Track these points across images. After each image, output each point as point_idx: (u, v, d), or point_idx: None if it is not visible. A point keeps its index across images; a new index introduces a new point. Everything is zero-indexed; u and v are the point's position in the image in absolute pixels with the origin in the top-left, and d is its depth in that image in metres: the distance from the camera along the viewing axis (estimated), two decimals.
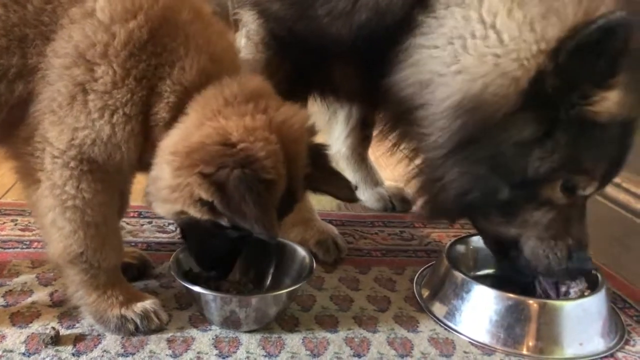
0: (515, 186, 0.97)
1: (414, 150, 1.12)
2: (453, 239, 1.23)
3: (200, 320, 1.02)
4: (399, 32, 1.04)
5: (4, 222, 1.34)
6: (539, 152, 0.94)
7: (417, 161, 1.10)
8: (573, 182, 0.98)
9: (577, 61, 0.87)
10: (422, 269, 1.26)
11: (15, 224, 1.33)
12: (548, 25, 0.90)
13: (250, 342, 0.97)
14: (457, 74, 0.96)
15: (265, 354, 0.95)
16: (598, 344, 1.03)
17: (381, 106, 1.21)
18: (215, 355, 0.94)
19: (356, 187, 1.67)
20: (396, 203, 1.62)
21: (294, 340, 0.99)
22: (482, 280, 1.09)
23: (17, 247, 1.23)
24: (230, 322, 0.99)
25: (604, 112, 0.90)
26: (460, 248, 1.21)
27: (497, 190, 0.98)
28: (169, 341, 0.96)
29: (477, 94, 0.93)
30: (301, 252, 1.12)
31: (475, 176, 0.97)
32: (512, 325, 1.01)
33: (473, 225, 1.14)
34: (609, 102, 0.90)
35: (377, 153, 1.70)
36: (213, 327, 1.00)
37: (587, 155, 0.96)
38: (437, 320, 1.08)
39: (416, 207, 1.17)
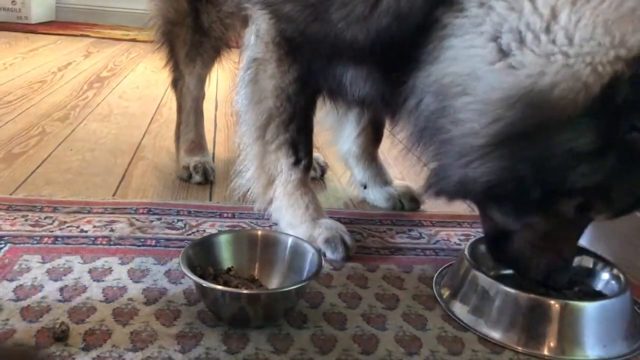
0: (545, 193, 0.95)
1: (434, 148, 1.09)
2: (473, 239, 1.22)
3: (209, 316, 1.02)
4: (421, 34, 1.01)
5: (15, 218, 1.35)
6: (584, 168, 0.90)
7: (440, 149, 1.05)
8: (591, 205, 0.96)
9: None
10: (441, 268, 1.26)
11: (26, 220, 1.34)
12: (628, 30, 0.86)
13: (259, 339, 0.97)
14: (516, 69, 0.91)
15: (273, 350, 0.95)
16: (622, 347, 1.02)
17: (395, 111, 1.19)
18: (224, 351, 0.94)
19: (365, 186, 1.67)
20: (405, 202, 1.61)
21: (302, 337, 0.99)
22: (503, 280, 1.07)
23: (28, 243, 1.24)
24: (239, 319, 0.99)
25: None
26: (481, 247, 1.19)
27: (528, 191, 0.94)
28: (178, 337, 0.96)
29: (543, 90, 0.88)
30: (309, 249, 1.12)
31: (514, 173, 0.93)
32: (533, 325, 1.01)
33: (479, 208, 1.13)
34: None
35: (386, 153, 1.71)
36: (222, 323, 1.00)
37: (619, 186, 0.93)
38: (460, 321, 1.07)
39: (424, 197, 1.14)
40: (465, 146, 0.98)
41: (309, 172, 1.40)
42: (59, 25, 5.18)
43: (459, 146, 0.99)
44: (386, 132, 1.66)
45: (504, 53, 0.93)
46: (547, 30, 0.90)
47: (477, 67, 0.96)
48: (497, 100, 0.93)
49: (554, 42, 0.90)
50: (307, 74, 1.27)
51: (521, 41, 0.92)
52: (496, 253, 1.13)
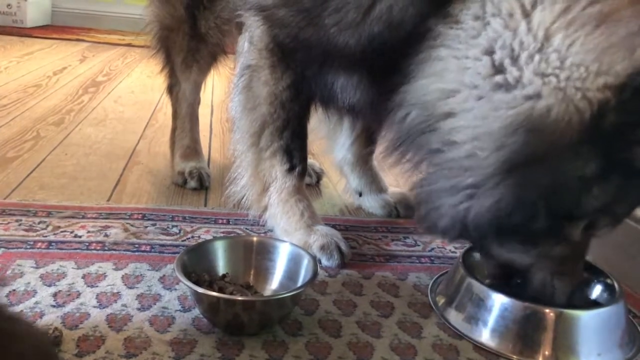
0: (554, 220, 0.94)
1: (421, 161, 1.09)
2: (467, 246, 1.21)
3: (203, 322, 1.02)
4: (412, 43, 1.02)
5: (9, 222, 1.34)
6: (596, 191, 0.91)
7: (430, 169, 1.05)
8: (597, 222, 0.97)
9: (637, 104, 0.84)
10: (437, 276, 1.26)
11: (20, 224, 1.34)
12: (616, 58, 0.87)
13: (253, 346, 0.97)
14: (512, 87, 0.92)
15: (268, 357, 0.95)
16: (616, 355, 1.02)
17: (384, 120, 1.19)
18: (219, 358, 0.93)
19: (360, 193, 1.67)
20: (400, 209, 1.61)
21: (297, 344, 0.99)
22: (498, 288, 1.07)
23: (21, 247, 1.23)
24: (234, 325, 0.99)
25: None
26: (476, 255, 1.19)
27: (537, 218, 0.94)
28: (172, 343, 0.96)
29: (541, 114, 0.89)
30: (305, 255, 1.12)
31: (524, 202, 0.92)
32: (528, 333, 1.01)
33: (479, 248, 1.11)
34: None
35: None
36: (216, 330, 1.00)
37: (624, 201, 0.94)
38: (455, 329, 1.07)
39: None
40: (463, 174, 0.97)
41: (304, 178, 1.40)
42: (54, 29, 5.17)
43: (455, 172, 0.98)
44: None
45: (498, 69, 0.94)
46: (540, 51, 0.91)
47: (471, 80, 0.96)
48: (498, 126, 0.92)
49: (546, 62, 0.91)
50: (300, 81, 1.28)
51: (515, 59, 0.93)
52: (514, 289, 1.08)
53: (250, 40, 1.33)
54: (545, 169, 0.91)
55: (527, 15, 0.93)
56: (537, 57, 0.91)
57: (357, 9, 1.04)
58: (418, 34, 1.01)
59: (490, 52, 0.95)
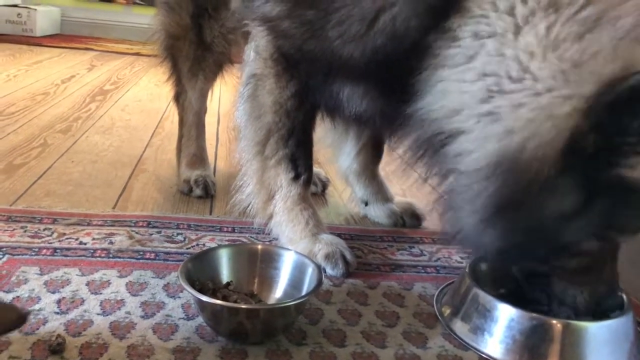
0: (549, 249, 0.95)
1: (442, 176, 1.08)
2: (474, 257, 1.20)
3: (207, 331, 1.01)
4: (415, 58, 1.01)
5: (14, 229, 1.34)
6: (578, 222, 0.88)
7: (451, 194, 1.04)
8: (605, 235, 0.95)
9: (614, 120, 0.80)
10: (442, 286, 1.25)
11: (25, 231, 1.34)
12: (583, 77, 0.83)
13: (257, 354, 0.96)
14: (490, 122, 0.90)
15: None
16: None
17: (394, 129, 1.19)
18: None
19: (366, 203, 1.66)
20: (406, 219, 1.61)
21: (301, 354, 0.98)
22: (505, 298, 1.06)
23: (26, 254, 1.23)
24: (238, 334, 0.98)
25: None
26: (482, 266, 1.18)
27: (534, 253, 0.96)
28: (175, 351, 0.95)
29: (515, 151, 0.86)
30: (310, 264, 1.11)
31: (513, 244, 0.93)
32: (536, 345, 0.99)
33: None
34: None
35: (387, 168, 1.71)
36: (220, 338, 0.99)
37: (622, 217, 0.91)
38: (460, 339, 1.06)
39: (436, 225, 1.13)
40: (469, 204, 0.96)
41: (309, 187, 1.39)
42: (63, 38, 5.22)
43: (465, 199, 0.97)
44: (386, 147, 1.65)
45: (486, 97, 0.92)
46: (521, 78, 0.89)
47: (469, 103, 0.94)
48: (483, 163, 0.91)
49: (522, 92, 0.88)
50: (305, 90, 1.28)
51: (500, 87, 0.91)
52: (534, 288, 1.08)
53: (256, 50, 1.34)
54: (525, 212, 0.89)
55: (516, 36, 0.90)
56: (514, 87, 0.89)
57: (360, 21, 1.04)
58: (420, 48, 1.00)
59: (483, 77, 0.93)
